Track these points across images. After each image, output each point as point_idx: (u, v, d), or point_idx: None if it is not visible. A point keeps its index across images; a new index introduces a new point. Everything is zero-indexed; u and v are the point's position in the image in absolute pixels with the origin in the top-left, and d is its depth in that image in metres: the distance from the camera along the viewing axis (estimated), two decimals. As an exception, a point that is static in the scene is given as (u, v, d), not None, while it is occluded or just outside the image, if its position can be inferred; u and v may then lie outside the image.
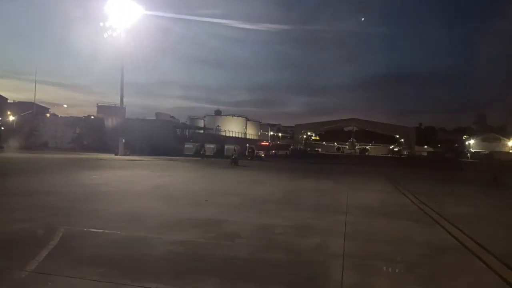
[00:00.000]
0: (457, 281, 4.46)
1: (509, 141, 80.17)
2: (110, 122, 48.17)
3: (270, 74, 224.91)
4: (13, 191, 9.86)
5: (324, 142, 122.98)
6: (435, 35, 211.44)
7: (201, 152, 37.61)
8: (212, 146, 42.18)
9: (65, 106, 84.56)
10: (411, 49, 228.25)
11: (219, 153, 41.16)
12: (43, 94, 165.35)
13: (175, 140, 46.42)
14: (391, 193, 13.39)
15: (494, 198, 13.34)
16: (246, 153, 40.66)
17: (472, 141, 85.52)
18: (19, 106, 63.45)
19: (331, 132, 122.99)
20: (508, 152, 76.26)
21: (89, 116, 64.23)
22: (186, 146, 42.03)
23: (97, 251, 4.95)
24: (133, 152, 35.47)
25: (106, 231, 6.01)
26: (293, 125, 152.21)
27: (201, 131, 61.45)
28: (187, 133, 56.29)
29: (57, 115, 62.82)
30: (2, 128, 54.84)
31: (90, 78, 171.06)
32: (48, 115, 64.56)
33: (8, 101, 70.61)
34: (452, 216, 8.40)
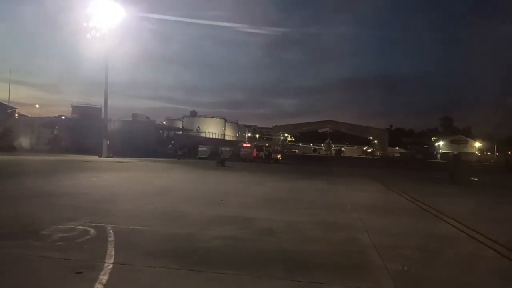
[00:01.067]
0: (474, 262, 5.27)
1: (475, 143, 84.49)
2: (89, 123, 47.36)
3: (242, 75, 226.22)
4: (29, 193, 9.96)
5: (300, 144, 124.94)
6: (404, 39, 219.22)
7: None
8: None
9: (37, 106, 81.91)
10: (380, 53, 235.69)
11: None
12: (4, 93, 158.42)
13: (157, 141, 46.22)
14: (384, 192, 14.35)
15: (476, 196, 14.54)
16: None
17: (441, 143, 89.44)
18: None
19: (305, 133, 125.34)
20: (475, 153, 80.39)
21: (60, 116, 62.52)
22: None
23: (156, 245, 5.39)
24: (115, 154, 35.16)
25: (151, 228, 6.45)
26: (270, 127, 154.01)
27: (180, 132, 61.31)
28: (165, 135, 56.03)
29: (27, 116, 60.71)
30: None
31: (55, 77, 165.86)
32: (16, 115, 62.37)
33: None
34: (449, 212, 9.31)
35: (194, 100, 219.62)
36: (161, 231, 6.33)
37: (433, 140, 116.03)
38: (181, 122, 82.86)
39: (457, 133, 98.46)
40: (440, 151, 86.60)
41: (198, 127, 68.02)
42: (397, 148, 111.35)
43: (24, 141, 46.88)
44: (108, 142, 33.85)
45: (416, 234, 6.97)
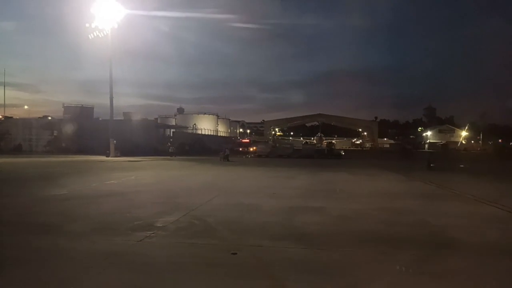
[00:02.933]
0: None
1: (461, 132, 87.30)
2: (88, 124, 47.24)
3: (225, 71, 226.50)
4: (93, 193, 10.56)
5: (291, 138, 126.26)
6: (386, 32, 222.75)
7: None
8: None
9: (26, 107, 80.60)
10: (363, 45, 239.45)
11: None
12: None
13: (158, 140, 46.49)
14: (407, 181, 15.42)
15: (487, 181, 15.75)
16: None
17: (429, 133, 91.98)
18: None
19: (292, 127, 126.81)
20: (461, 142, 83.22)
21: (45, 116, 61.76)
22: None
23: (265, 231, 6.17)
24: (121, 153, 35.41)
25: (245, 218, 7.22)
26: (258, 121, 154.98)
27: (188, 131, 61.88)
28: (167, 133, 56.25)
29: (13, 117, 59.74)
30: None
31: (34, 76, 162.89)
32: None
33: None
34: (480, 195, 10.34)
35: (178, 97, 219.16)
36: (255, 219, 7.10)
37: (419, 130, 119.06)
38: (174, 119, 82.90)
39: (442, 123, 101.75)
40: (428, 140, 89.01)
41: (195, 124, 68.31)
42: (385, 139, 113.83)
43: (23, 143, 46.58)
44: (115, 141, 34.04)
45: (470, 215, 7.94)
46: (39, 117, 58.15)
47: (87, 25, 31.61)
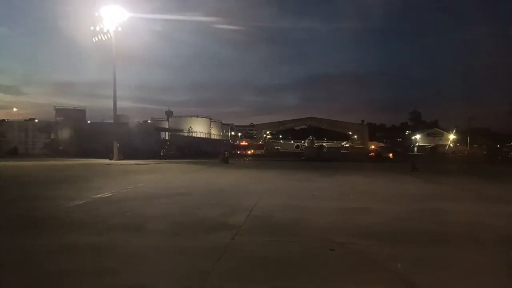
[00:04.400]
0: None
1: (449, 135, 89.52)
2: (87, 127, 46.88)
3: (210, 74, 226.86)
4: (135, 195, 10.81)
5: (281, 141, 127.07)
6: (374, 36, 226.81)
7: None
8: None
9: (15, 109, 79.12)
10: (351, 50, 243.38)
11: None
12: None
13: (157, 143, 46.42)
14: (425, 183, 16.09)
15: (496, 183, 16.56)
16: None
17: (417, 136, 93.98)
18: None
19: (281, 131, 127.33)
20: (449, 145, 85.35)
21: (32, 119, 60.99)
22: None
23: (340, 230, 6.62)
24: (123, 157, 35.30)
25: (310, 219, 7.64)
26: (246, 124, 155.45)
27: (183, 134, 61.82)
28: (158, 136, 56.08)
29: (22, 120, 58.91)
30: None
31: (17, 78, 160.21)
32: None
33: None
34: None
35: (164, 99, 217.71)
36: (318, 219, 7.53)
37: (407, 133, 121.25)
38: (167, 122, 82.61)
39: (428, 127, 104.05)
40: (417, 144, 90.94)
41: (190, 127, 68.35)
42: (374, 142, 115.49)
43: (19, 146, 45.85)
44: (118, 145, 33.95)
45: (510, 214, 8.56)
46: (27, 119, 57.50)
47: (91, 28, 31.56)
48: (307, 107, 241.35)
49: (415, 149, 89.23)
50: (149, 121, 78.20)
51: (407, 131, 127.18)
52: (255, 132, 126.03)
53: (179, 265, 4.66)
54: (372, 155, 42.46)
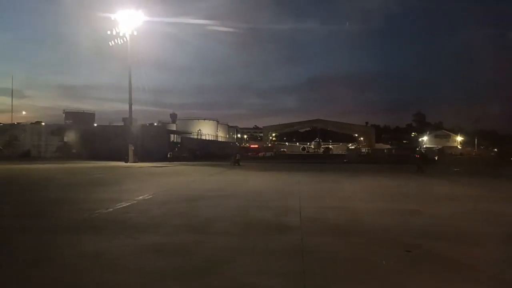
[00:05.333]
0: None
1: (457, 137, 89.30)
2: (100, 129, 47.13)
3: (212, 76, 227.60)
4: (176, 198, 10.92)
5: (287, 143, 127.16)
6: (376, 38, 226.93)
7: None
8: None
9: (24, 113, 79.66)
10: (353, 51, 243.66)
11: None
12: None
13: (168, 145, 46.58)
14: (453, 184, 16.14)
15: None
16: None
17: (425, 138, 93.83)
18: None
19: (285, 133, 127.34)
20: (457, 147, 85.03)
21: (38, 122, 61.22)
22: None
23: (417, 230, 6.69)
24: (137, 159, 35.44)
25: (384, 222, 7.72)
26: (250, 127, 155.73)
27: (193, 136, 62.13)
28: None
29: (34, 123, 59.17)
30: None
31: (19, 81, 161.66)
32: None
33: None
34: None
35: (167, 102, 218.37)
36: (372, 221, 7.60)
37: (413, 135, 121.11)
38: (174, 125, 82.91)
39: (434, 129, 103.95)
40: (425, 146, 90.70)
41: (199, 130, 68.59)
42: (381, 144, 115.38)
43: (32, 149, 46.15)
44: (133, 147, 34.13)
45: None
46: (33, 122, 57.62)
47: (108, 32, 31.81)
48: (309, 109, 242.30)
49: (423, 151, 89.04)
50: (155, 124, 78.70)
51: (413, 133, 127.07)
52: (260, 134, 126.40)
53: (269, 265, 4.73)
54: (417, 156, 41.83)
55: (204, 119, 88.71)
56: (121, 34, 32.84)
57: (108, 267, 4.60)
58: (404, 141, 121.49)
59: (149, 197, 10.89)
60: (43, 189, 13.42)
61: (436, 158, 43.52)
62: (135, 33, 33.30)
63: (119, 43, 33.63)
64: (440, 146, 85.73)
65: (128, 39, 33.20)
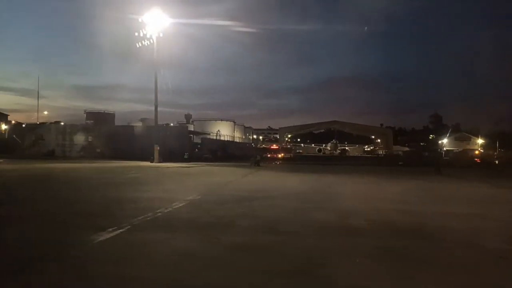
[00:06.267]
0: None
1: (478, 139, 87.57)
2: (124, 130, 47.74)
3: (225, 77, 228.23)
4: (222, 198, 10.96)
5: (302, 144, 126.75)
6: (388, 38, 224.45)
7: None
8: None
9: (45, 113, 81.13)
10: (362, 51, 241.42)
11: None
12: None
13: (189, 146, 46.94)
14: (479, 187, 15.86)
15: None
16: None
17: (445, 140, 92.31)
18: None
19: (300, 134, 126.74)
20: (478, 150, 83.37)
21: (57, 122, 62.30)
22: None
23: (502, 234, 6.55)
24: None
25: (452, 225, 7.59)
26: (264, 128, 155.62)
27: (212, 137, 62.58)
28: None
29: (59, 122, 60.45)
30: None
31: (34, 82, 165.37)
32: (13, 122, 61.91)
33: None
34: None
35: (180, 103, 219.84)
36: (440, 223, 7.47)
37: (430, 137, 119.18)
38: (192, 125, 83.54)
39: (455, 131, 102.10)
40: (445, 148, 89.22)
41: (218, 130, 68.98)
42: (398, 146, 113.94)
43: (56, 149, 47.09)
44: (158, 148, 34.47)
45: None
46: (52, 122, 58.71)
47: (136, 34, 32.24)
48: (323, 110, 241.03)
49: (443, 153, 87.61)
50: (171, 124, 79.39)
51: (431, 135, 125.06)
52: (274, 136, 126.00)
53: (369, 268, 4.67)
54: (477, 160, 39.88)
55: (221, 120, 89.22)
56: (147, 36, 33.24)
57: (213, 266, 4.60)
58: (421, 143, 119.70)
59: (198, 197, 10.93)
60: (91, 188, 13.51)
61: (497, 162, 41.03)
62: (161, 35, 33.69)
63: (144, 44, 34.06)
64: (459, 149, 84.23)
65: (154, 41, 33.60)
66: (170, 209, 8.79)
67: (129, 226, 6.68)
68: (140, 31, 32.87)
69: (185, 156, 40.60)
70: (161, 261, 4.82)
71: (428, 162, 37.71)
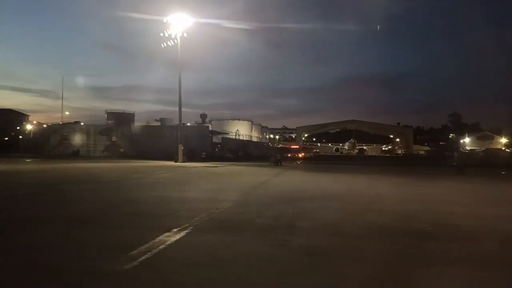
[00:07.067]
0: None
1: (501, 139, 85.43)
2: (146, 129, 48.29)
3: (239, 76, 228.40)
4: (269, 199, 10.87)
5: (319, 144, 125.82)
6: (404, 37, 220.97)
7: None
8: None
9: (67, 113, 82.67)
10: (379, 50, 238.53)
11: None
12: (5, 100, 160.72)
13: (210, 145, 47.18)
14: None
15: None
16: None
17: (467, 139, 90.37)
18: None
19: (315, 134, 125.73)
20: (502, 149, 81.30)
21: (77, 122, 63.30)
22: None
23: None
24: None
25: None
26: (279, 127, 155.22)
27: (231, 136, 62.89)
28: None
29: (80, 123, 61.63)
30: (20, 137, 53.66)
31: (53, 83, 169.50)
32: (35, 122, 63.19)
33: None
34: None
35: (194, 103, 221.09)
36: (500, 229, 7.22)
37: (450, 137, 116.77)
38: (209, 125, 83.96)
39: (472, 130, 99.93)
40: (467, 148, 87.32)
41: (237, 130, 69.11)
42: (417, 145, 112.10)
43: (81, 149, 47.97)
44: (182, 147, 34.70)
45: None
46: (72, 122, 59.64)
47: (161, 34, 32.50)
48: (338, 109, 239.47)
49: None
50: (188, 124, 79.92)
51: (451, 134, 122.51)
52: (290, 135, 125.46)
53: (472, 275, 4.52)
54: None
55: (239, 119, 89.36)
56: (172, 36, 33.48)
57: (297, 273, 4.51)
58: (440, 143, 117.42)
59: (241, 197, 10.90)
60: (133, 187, 13.60)
61: None
62: (185, 35, 33.87)
63: (167, 45, 34.32)
64: (483, 148, 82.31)
65: (178, 41, 33.81)
66: (221, 209, 8.76)
67: (191, 227, 6.65)
68: (164, 31, 33.10)
69: (203, 155, 40.87)
70: (243, 265, 4.75)
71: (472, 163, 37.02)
